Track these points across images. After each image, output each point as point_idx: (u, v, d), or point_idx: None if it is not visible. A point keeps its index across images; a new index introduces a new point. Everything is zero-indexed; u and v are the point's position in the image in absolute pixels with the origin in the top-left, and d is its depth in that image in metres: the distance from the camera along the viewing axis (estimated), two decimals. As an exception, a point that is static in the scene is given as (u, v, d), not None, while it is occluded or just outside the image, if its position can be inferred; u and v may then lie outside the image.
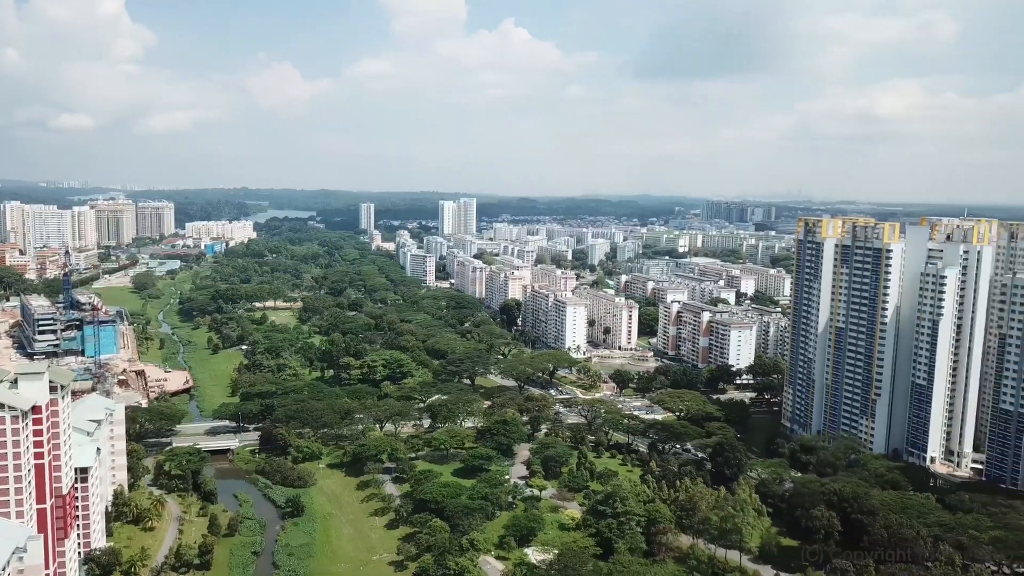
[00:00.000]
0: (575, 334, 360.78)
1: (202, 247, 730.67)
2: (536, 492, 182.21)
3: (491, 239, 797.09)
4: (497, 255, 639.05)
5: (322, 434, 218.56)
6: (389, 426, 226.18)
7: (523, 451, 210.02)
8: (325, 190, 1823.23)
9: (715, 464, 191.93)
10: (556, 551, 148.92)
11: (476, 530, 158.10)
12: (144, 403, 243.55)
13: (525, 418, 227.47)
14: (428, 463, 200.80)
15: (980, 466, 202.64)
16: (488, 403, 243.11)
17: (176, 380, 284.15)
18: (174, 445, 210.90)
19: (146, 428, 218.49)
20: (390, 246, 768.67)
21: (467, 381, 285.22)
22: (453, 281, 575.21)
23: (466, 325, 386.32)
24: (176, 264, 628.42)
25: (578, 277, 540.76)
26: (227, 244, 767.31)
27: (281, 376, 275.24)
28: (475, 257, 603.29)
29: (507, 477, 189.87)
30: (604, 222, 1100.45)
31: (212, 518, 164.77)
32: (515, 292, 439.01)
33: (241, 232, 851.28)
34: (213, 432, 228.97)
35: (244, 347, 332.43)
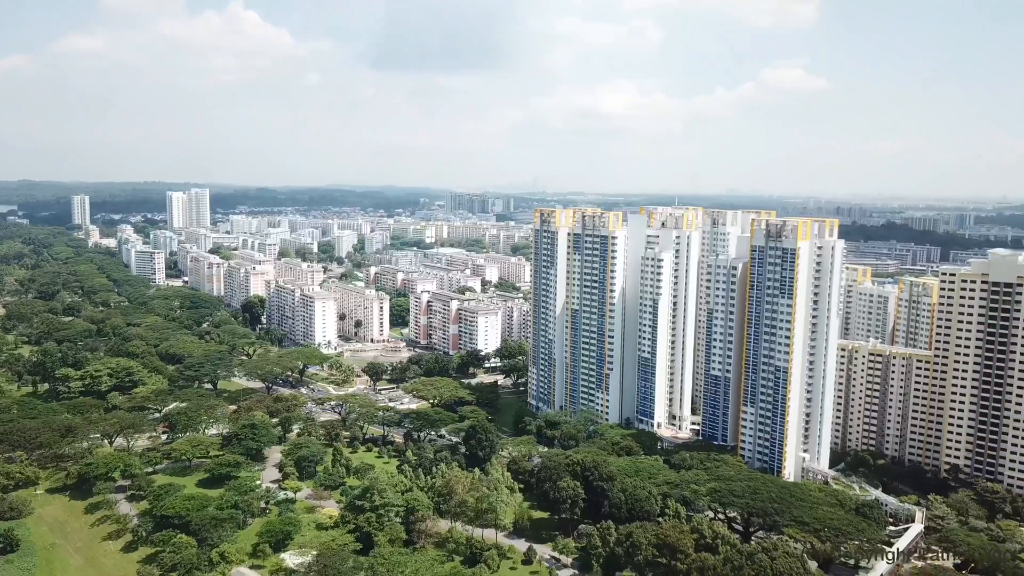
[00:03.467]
0: (325, 329, 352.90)
1: None
2: (291, 494, 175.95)
3: (228, 232, 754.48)
4: (236, 249, 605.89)
5: (38, 456, 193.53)
6: (121, 440, 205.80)
7: (275, 454, 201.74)
8: (28, 181, 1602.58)
9: (469, 447, 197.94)
10: (315, 552, 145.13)
11: (226, 541, 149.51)
12: None
13: (275, 420, 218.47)
14: (169, 476, 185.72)
15: (697, 427, 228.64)
16: (233, 407, 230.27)
17: None
18: None
19: None
20: (111, 243, 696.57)
21: (208, 386, 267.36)
22: (187, 279, 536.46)
23: (204, 326, 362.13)
24: None
25: (325, 270, 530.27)
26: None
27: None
28: (211, 252, 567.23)
29: (258, 482, 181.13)
30: (350, 213, 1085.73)
31: None
32: (258, 288, 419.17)
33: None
34: None
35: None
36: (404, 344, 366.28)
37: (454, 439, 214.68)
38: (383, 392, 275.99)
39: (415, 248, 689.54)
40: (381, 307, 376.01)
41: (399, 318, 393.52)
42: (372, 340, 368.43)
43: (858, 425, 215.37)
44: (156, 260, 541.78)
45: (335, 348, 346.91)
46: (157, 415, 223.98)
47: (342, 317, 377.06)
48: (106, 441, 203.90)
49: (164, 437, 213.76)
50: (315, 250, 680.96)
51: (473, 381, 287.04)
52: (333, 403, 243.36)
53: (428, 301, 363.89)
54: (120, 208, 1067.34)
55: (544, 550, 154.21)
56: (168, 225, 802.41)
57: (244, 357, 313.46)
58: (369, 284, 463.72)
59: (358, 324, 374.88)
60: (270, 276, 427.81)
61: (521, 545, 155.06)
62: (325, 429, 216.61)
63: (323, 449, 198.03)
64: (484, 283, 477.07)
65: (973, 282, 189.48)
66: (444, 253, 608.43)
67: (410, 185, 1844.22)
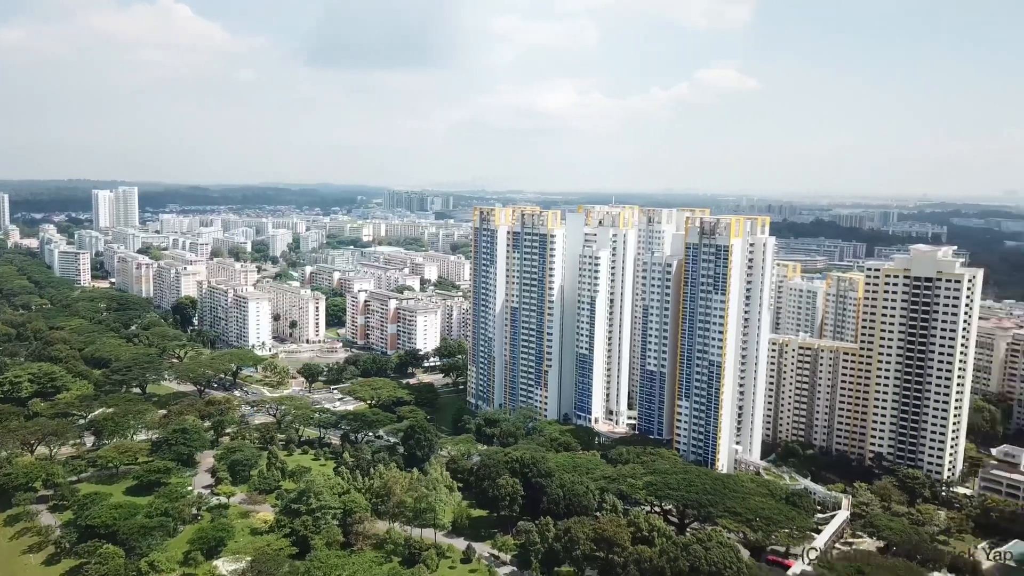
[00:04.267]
0: (259, 330, 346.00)
1: None
2: (224, 500, 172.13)
3: (158, 232, 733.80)
4: (166, 249, 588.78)
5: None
6: (43, 449, 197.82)
7: (207, 458, 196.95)
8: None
9: (407, 447, 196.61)
10: (249, 558, 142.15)
11: (156, 550, 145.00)
12: None
13: (207, 424, 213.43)
14: (95, 485, 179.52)
15: (634, 421, 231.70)
16: (163, 412, 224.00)
17: None
18: None
19: None
20: (32, 243, 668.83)
21: (137, 390, 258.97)
22: (114, 280, 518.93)
23: (132, 328, 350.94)
24: None
25: (260, 270, 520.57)
26: None
27: None
28: (140, 252, 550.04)
29: (190, 488, 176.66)
30: (285, 211, 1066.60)
31: None
32: (189, 289, 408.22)
33: None
34: None
35: None
36: (341, 344, 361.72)
37: (392, 440, 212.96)
38: (319, 393, 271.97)
39: (352, 247, 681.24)
40: (317, 307, 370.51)
41: (336, 318, 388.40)
42: (308, 341, 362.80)
43: (788, 417, 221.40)
44: (81, 261, 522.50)
45: (270, 349, 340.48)
46: (82, 421, 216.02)
47: (277, 318, 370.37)
48: (26, 450, 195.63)
49: (90, 444, 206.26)
50: (249, 249, 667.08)
51: (412, 381, 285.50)
52: (268, 405, 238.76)
53: (366, 300, 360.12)
54: (43, 207, 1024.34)
55: (483, 548, 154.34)
56: (94, 225, 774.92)
57: (175, 360, 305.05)
58: (305, 284, 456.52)
59: (293, 325, 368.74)
60: (202, 276, 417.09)
61: (460, 544, 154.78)
62: (260, 432, 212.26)
63: (258, 452, 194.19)
64: (423, 282, 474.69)
65: (896, 277, 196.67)
66: (382, 252, 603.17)
67: (347, 183, 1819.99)
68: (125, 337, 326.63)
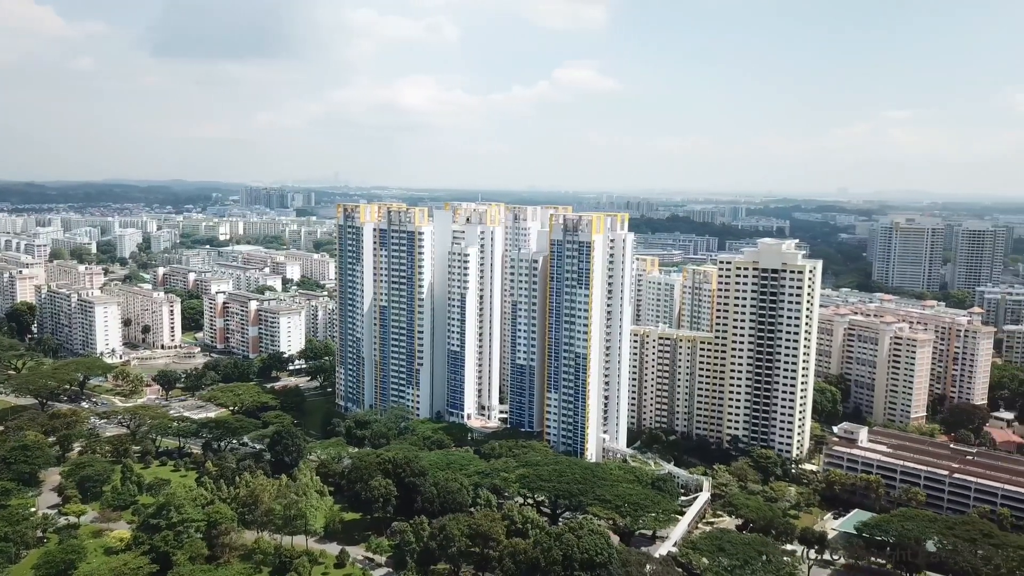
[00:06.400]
0: (107, 337, 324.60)
1: None
2: (73, 519, 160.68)
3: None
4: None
5: None
6: None
7: (53, 476, 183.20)
8: None
9: (274, 453, 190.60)
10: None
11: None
12: None
13: (52, 439, 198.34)
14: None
15: (505, 415, 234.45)
16: (0, 428, 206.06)
17: None
18: None
19: None
20: None
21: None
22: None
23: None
24: None
25: (107, 272, 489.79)
26: None
27: None
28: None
29: (33, 509, 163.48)
30: (134, 210, 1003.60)
31: None
32: (26, 294, 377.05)
33: None
34: None
35: None
36: (199, 349, 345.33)
37: (258, 446, 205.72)
38: (178, 401, 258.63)
39: (208, 246, 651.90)
40: (172, 310, 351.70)
41: (193, 321, 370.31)
42: (163, 346, 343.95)
43: (651, 405, 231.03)
44: None
45: (120, 357, 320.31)
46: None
47: (127, 323, 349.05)
48: None
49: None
50: (94, 251, 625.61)
51: (277, 385, 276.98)
52: (120, 416, 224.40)
53: (224, 302, 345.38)
54: None
55: (357, 551, 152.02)
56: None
57: (12, 372, 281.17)
58: (157, 286, 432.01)
59: (146, 330, 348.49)
60: (40, 280, 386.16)
61: (333, 549, 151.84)
62: (112, 445, 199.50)
63: (110, 467, 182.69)
64: (285, 281, 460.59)
65: (745, 269, 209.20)
66: (241, 251, 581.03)
67: (201, 180, 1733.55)
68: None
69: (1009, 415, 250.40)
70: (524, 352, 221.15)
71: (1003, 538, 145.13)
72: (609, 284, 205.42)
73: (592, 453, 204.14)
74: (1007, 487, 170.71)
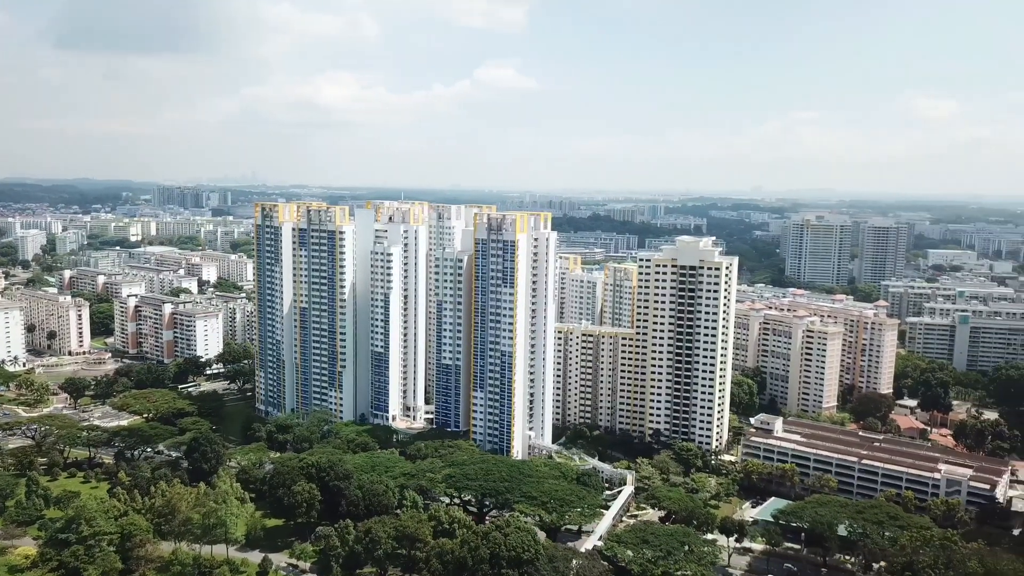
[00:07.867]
0: (9, 343, 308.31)
1: None
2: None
3: None
4: None
5: None
6: None
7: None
8: None
9: (192, 461, 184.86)
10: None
11: None
12: None
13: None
14: None
15: (431, 416, 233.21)
16: None
17: None
18: None
19: None
20: None
21: None
22: None
23: None
24: None
25: (7, 276, 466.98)
26: None
27: None
28: None
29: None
30: (36, 210, 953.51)
31: None
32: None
33: None
34: None
35: None
36: (110, 355, 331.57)
37: (175, 454, 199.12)
38: (87, 410, 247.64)
39: (118, 248, 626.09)
40: (79, 315, 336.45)
41: (103, 326, 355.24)
42: (71, 353, 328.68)
43: (576, 401, 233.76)
44: None
45: (24, 364, 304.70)
46: None
47: (31, 328, 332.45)
48: None
49: None
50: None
51: (194, 390, 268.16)
52: (24, 427, 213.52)
53: (136, 306, 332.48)
54: None
55: (281, 558, 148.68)
56: None
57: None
58: (64, 290, 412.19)
59: (52, 336, 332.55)
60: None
61: (256, 557, 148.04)
62: (15, 457, 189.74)
63: (14, 480, 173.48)
64: (201, 283, 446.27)
65: (664, 266, 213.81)
66: (153, 252, 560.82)
67: (110, 178, 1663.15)
68: None
69: (912, 403, 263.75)
70: (450, 352, 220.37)
71: (908, 519, 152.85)
72: (533, 283, 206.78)
73: (518, 451, 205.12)
74: (911, 471, 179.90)
